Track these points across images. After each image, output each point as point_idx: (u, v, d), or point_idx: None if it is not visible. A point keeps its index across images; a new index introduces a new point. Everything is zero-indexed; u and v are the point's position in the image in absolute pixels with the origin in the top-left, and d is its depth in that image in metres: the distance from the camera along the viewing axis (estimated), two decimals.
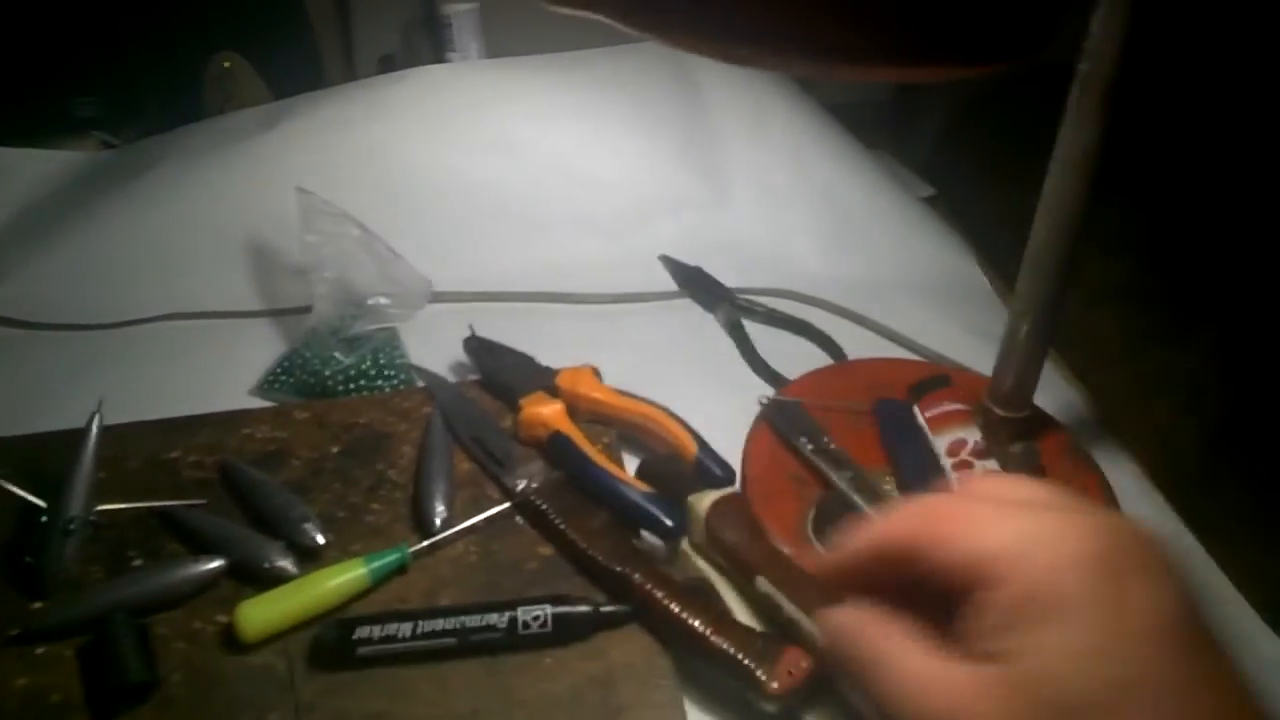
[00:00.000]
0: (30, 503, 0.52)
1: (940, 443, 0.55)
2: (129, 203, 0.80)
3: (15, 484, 0.53)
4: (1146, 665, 0.23)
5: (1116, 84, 0.48)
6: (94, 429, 0.53)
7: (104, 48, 0.93)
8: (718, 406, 0.62)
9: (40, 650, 0.46)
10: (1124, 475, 0.62)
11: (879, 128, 1.04)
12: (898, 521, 0.28)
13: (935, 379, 0.60)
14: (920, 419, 0.57)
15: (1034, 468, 0.55)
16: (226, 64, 0.95)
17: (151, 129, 0.92)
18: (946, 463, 0.54)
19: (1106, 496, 0.56)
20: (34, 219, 0.82)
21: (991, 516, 0.26)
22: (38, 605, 0.49)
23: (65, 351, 0.71)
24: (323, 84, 0.99)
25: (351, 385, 0.65)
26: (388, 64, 1.03)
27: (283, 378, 0.66)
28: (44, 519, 0.51)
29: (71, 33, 0.91)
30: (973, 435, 0.55)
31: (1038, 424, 0.59)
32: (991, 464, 0.53)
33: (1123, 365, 0.81)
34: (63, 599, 0.49)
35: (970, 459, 0.54)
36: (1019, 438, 0.57)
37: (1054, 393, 0.68)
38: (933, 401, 0.58)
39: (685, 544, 0.52)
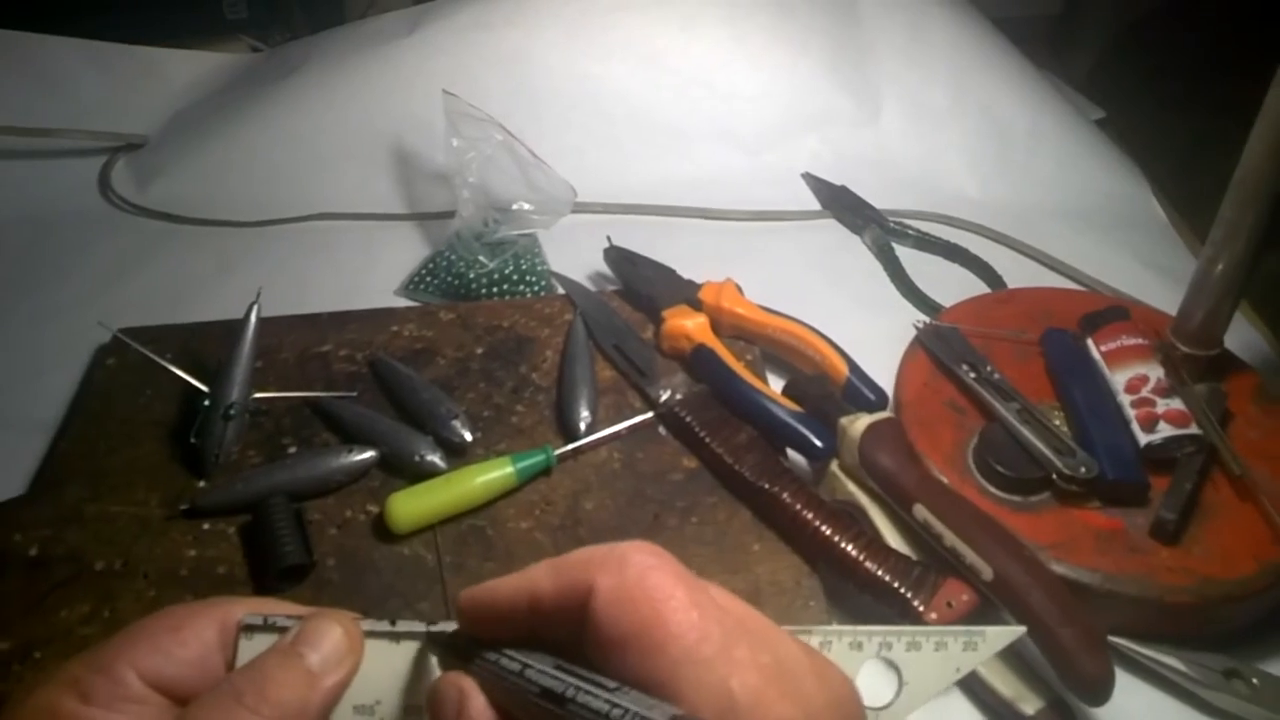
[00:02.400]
0: (193, 387, 0.54)
1: (1118, 379, 0.51)
2: (277, 105, 0.81)
3: (178, 368, 0.55)
4: None
5: None
6: (252, 319, 0.54)
7: None
8: (866, 329, 0.59)
9: (206, 526, 0.48)
10: None
11: (1044, 43, 0.97)
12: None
13: (1111, 311, 0.55)
14: (1095, 352, 0.53)
15: (1222, 410, 0.51)
16: None
17: (298, 32, 0.93)
18: (1125, 399, 0.50)
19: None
20: (188, 119, 0.84)
21: None
22: (202, 484, 0.51)
23: (218, 246, 0.73)
24: None
25: (494, 289, 0.65)
26: None
27: (428, 279, 0.66)
28: (206, 403, 0.52)
29: None
30: (1154, 372, 0.51)
31: (1225, 364, 0.54)
32: (1175, 402, 0.49)
33: None
34: (224, 480, 0.50)
35: (1152, 396, 0.50)
36: (1205, 377, 0.52)
37: (1239, 334, 0.62)
38: (1108, 335, 0.54)
39: (835, 466, 0.50)
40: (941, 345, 0.55)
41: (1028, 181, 0.77)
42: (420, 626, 0.25)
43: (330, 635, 0.25)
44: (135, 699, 0.24)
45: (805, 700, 0.22)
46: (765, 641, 0.23)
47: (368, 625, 0.25)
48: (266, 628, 0.25)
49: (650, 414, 0.53)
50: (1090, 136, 0.81)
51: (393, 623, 0.25)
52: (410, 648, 0.25)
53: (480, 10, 0.83)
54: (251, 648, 0.25)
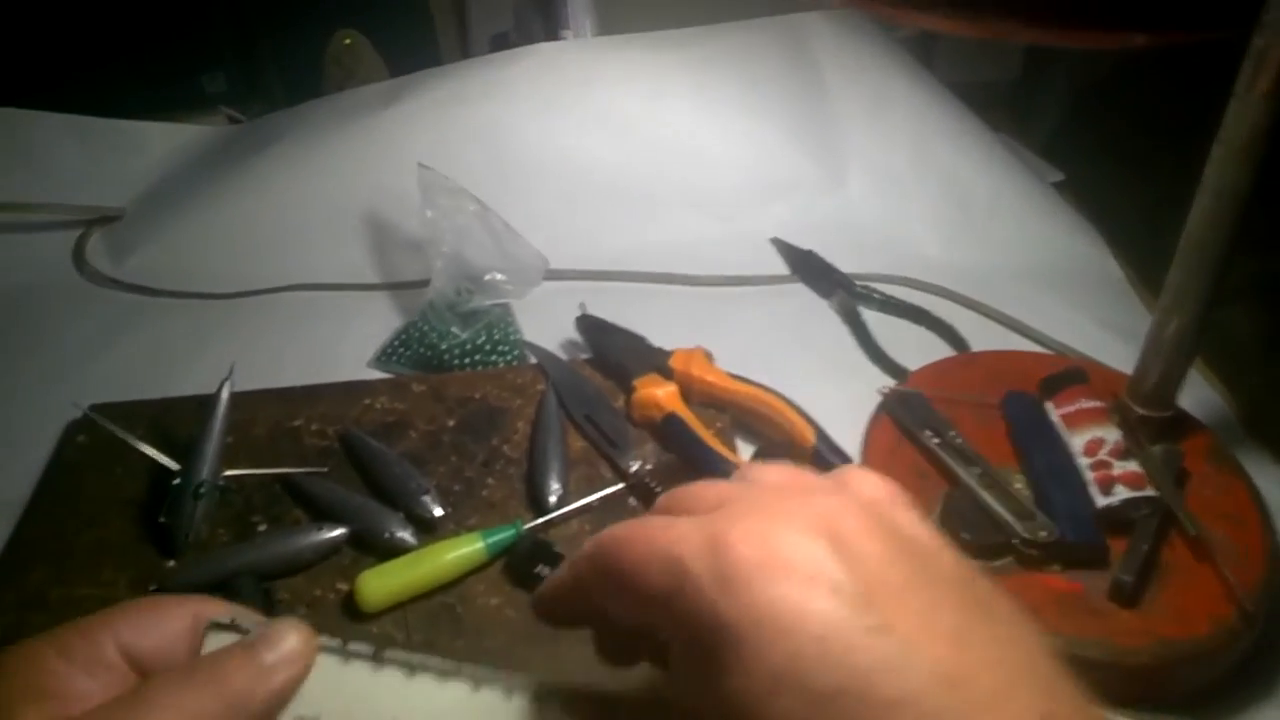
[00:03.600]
0: (162, 465, 0.54)
1: (1076, 441, 0.52)
2: (254, 176, 0.82)
3: (148, 446, 0.55)
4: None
5: None
6: (224, 396, 0.54)
7: (231, 25, 0.96)
8: (833, 395, 0.60)
9: None
10: (1271, 482, 0.57)
11: (1002, 108, 1.00)
12: (587, 549, 0.27)
13: (1069, 373, 0.56)
14: (1054, 415, 0.54)
15: (1177, 470, 0.52)
16: (347, 41, 0.97)
17: (276, 104, 0.95)
18: (1082, 462, 0.51)
19: (1255, 502, 0.52)
20: (165, 191, 0.85)
21: (663, 528, 0.25)
22: (171, 564, 0.51)
23: (193, 319, 0.73)
24: (438, 61, 1.00)
25: (466, 360, 0.65)
26: (500, 41, 1.03)
27: (400, 350, 0.67)
28: (176, 481, 0.52)
29: (199, 9, 0.94)
30: (1111, 434, 0.52)
31: (1180, 425, 0.55)
32: (1132, 464, 0.50)
33: (1263, 367, 0.76)
34: (193, 559, 0.50)
35: (1109, 458, 0.51)
36: (1160, 438, 0.53)
37: (1192, 393, 0.63)
38: (1067, 398, 0.55)
39: None
40: (906, 411, 0.56)
41: (988, 244, 0.79)
42: (368, 648, 0.28)
43: (287, 639, 0.27)
44: (107, 665, 0.27)
45: None
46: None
47: (323, 640, 0.28)
48: (232, 628, 0.28)
49: (620, 485, 0.54)
50: (1048, 199, 0.84)
51: (344, 643, 0.28)
52: (359, 668, 0.28)
53: (456, 84, 0.86)
54: (215, 643, 0.28)
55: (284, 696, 0.27)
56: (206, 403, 0.56)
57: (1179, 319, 0.51)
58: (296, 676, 0.27)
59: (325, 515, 0.52)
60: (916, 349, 0.68)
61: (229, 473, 0.54)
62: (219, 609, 0.29)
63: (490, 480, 0.55)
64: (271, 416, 0.59)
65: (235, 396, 0.56)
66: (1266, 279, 0.77)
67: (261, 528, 0.52)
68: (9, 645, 0.27)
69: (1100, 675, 0.44)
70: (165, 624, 0.28)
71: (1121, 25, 0.33)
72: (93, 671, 0.27)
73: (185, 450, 0.54)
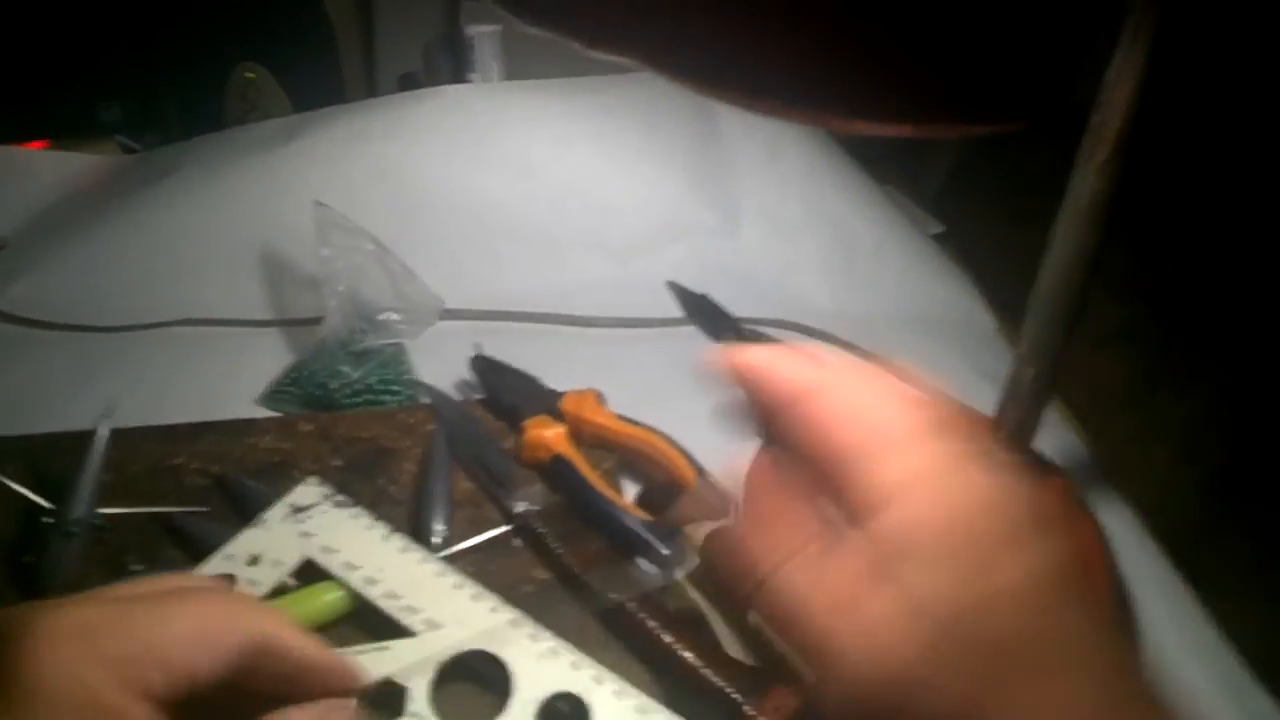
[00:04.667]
0: (33, 503, 0.53)
1: None
2: (146, 208, 0.81)
3: (20, 483, 0.54)
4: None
5: (1129, 136, 0.48)
6: (104, 431, 0.53)
7: (130, 53, 0.95)
8: (720, 437, 0.62)
9: None
10: (1121, 523, 0.62)
11: (889, 161, 1.05)
12: (798, 374, 0.28)
13: None
14: None
15: None
16: (250, 75, 0.96)
17: (173, 135, 0.94)
18: None
19: (1102, 544, 0.56)
20: (52, 220, 0.83)
21: (891, 444, 0.26)
22: None
23: (75, 353, 0.71)
24: (344, 98, 1.01)
25: (357, 399, 0.65)
26: (408, 81, 1.04)
27: (289, 389, 0.67)
28: (47, 520, 0.51)
29: (98, 37, 0.93)
30: None
31: (1038, 468, 0.59)
32: None
33: (1124, 411, 0.81)
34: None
35: None
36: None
37: (1054, 436, 0.68)
38: None
39: (680, 574, 0.52)
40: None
41: (872, 291, 0.83)
42: None
43: None
44: (153, 694, 0.26)
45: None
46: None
47: None
48: None
49: (506, 528, 0.55)
50: (929, 251, 0.88)
51: None
52: None
53: (360, 121, 0.86)
54: None
55: None
56: (84, 439, 0.55)
57: (1033, 370, 0.55)
58: None
59: (203, 556, 0.51)
60: None
61: (104, 511, 0.53)
62: (266, 624, 0.31)
63: None
64: (152, 454, 0.58)
65: (116, 433, 0.56)
66: (1131, 327, 0.82)
67: (136, 568, 0.51)
68: (36, 650, 0.26)
69: None
70: (216, 658, 0.28)
71: (927, 120, 0.36)
72: (140, 698, 0.26)
73: (59, 488, 0.53)
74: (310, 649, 0.33)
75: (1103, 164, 0.49)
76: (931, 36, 0.33)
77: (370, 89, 1.05)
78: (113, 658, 0.26)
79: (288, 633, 0.32)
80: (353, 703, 0.32)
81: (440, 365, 0.70)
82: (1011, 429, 0.57)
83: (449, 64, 1.01)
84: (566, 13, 0.32)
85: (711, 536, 0.50)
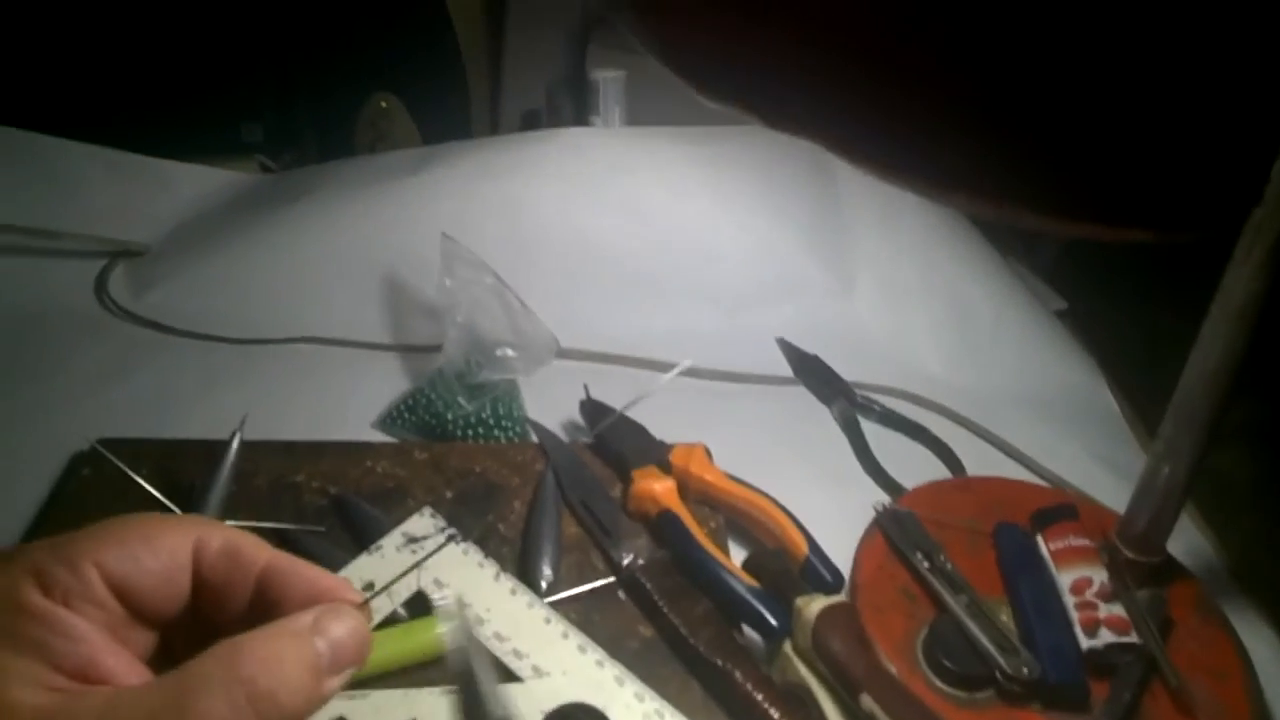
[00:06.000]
0: (165, 506, 0.55)
1: (1065, 579, 0.53)
2: (280, 227, 0.84)
3: (153, 485, 0.56)
4: None
5: None
6: (235, 445, 0.55)
7: (273, 78, 0.99)
8: (827, 504, 0.61)
9: None
10: (1257, 637, 0.58)
11: (1009, 231, 1.03)
12: None
13: (1061, 509, 0.58)
14: (1044, 550, 0.55)
15: (1162, 618, 0.52)
16: (383, 104, 1.00)
17: (308, 158, 0.97)
18: (1069, 600, 0.52)
19: (1239, 657, 0.53)
20: (191, 232, 0.87)
21: None
22: None
23: (204, 361, 0.74)
24: (469, 133, 1.03)
25: (470, 431, 0.66)
26: (531, 119, 1.06)
27: (405, 414, 0.68)
28: None
29: (245, 61, 0.98)
30: (1099, 574, 0.53)
31: (1168, 571, 0.56)
32: (1117, 608, 0.51)
33: (1253, 512, 0.77)
34: None
35: (1095, 599, 0.51)
36: (1147, 583, 0.54)
37: (1182, 538, 0.64)
38: (1058, 533, 0.56)
39: (787, 646, 0.51)
40: (898, 530, 0.57)
41: (989, 366, 0.81)
42: None
43: (352, 628, 0.26)
44: (95, 600, 0.24)
45: None
46: None
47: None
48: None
49: (611, 579, 0.54)
50: (1050, 327, 0.86)
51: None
52: None
53: (485, 158, 0.88)
54: None
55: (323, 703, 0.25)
56: (214, 448, 0.56)
57: (1169, 469, 0.52)
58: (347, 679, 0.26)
59: None
60: (913, 466, 0.69)
61: (229, 522, 0.54)
62: (223, 533, 0.27)
63: None
64: (274, 469, 0.60)
65: (242, 445, 0.57)
66: (1260, 424, 0.78)
67: None
68: None
69: None
70: (161, 552, 0.26)
71: (1121, 223, 0.35)
72: (78, 608, 0.24)
73: (188, 494, 0.55)
74: (282, 557, 0.28)
75: (1261, 264, 0.48)
76: (1127, 144, 0.32)
77: (494, 125, 1.08)
78: (39, 565, 0.24)
79: (249, 541, 0.28)
80: (353, 610, 0.27)
81: (550, 404, 0.70)
82: (1143, 529, 0.54)
83: (571, 105, 1.03)
84: (749, 93, 0.32)
85: (826, 613, 0.49)
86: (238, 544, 0.27)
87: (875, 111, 0.31)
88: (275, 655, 0.24)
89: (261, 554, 0.28)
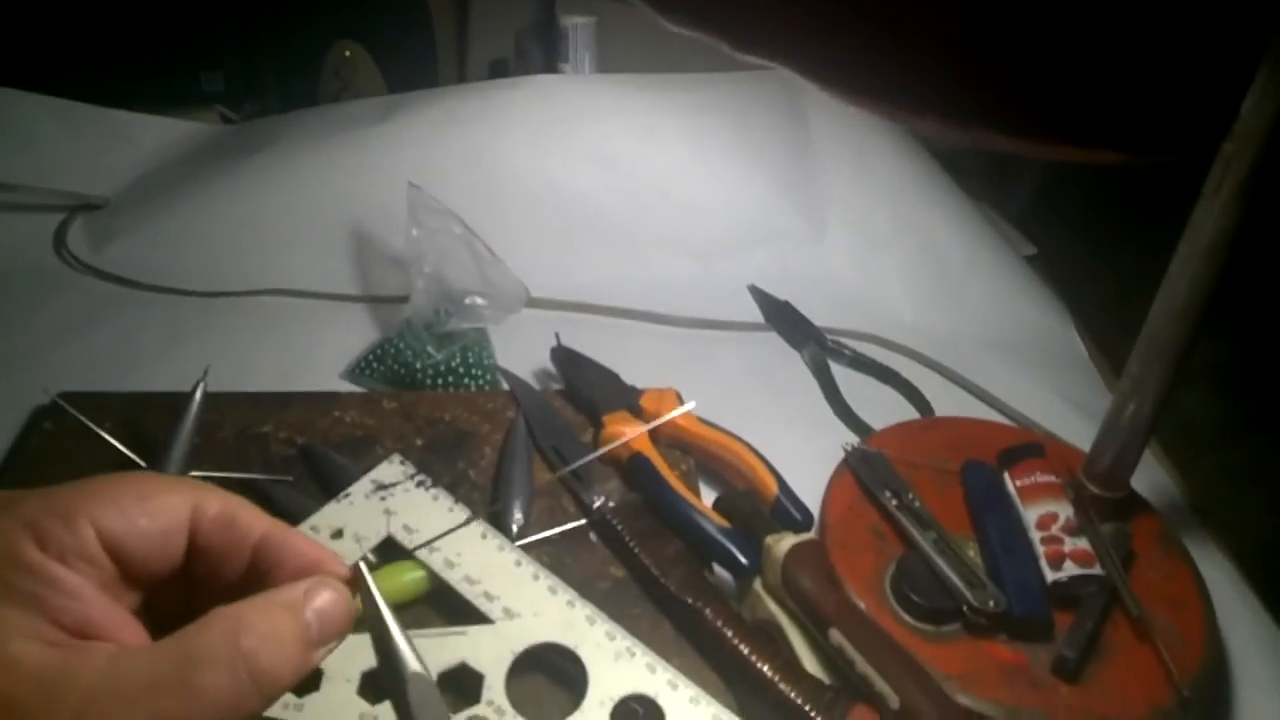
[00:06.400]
0: (129, 459, 0.54)
1: (1030, 514, 0.54)
2: (242, 178, 0.82)
3: (117, 438, 0.55)
4: None
5: (1261, 170, 0.46)
6: (197, 397, 0.54)
7: (234, 26, 0.97)
8: (797, 446, 0.61)
9: None
10: (1216, 569, 0.59)
11: (980, 176, 1.03)
12: None
13: (1028, 447, 0.58)
14: (1011, 487, 0.56)
15: (1125, 551, 0.53)
16: (347, 53, 0.98)
17: (271, 108, 0.95)
18: (1035, 535, 0.52)
19: (1198, 588, 0.54)
20: (152, 184, 0.85)
21: None
22: None
23: (168, 314, 0.73)
24: (436, 82, 1.01)
25: (440, 380, 0.66)
26: (499, 68, 1.04)
27: (374, 365, 0.67)
28: None
29: (204, 8, 0.95)
30: (1064, 510, 0.54)
31: (1131, 506, 0.57)
32: (1082, 541, 0.52)
33: (1216, 451, 0.78)
34: None
35: (1060, 534, 0.52)
36: (1111, 518, 0.55)
37: (1146, 474, 0.65)
38: (1024, 470, 0.56)
39: (757, 584, 0.51)
40: (867, 470, 0.57)
41: (960, 310, 0.81)
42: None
43: (336, 607, 0.26)
44: (89, 558, 0.24)
45: None
46: None
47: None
48: None
49: (583, 521, 0.54)
50: (1020, 272, 0.86)
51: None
52: None
53: (452, 106, 0.87)
54: None
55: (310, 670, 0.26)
56: (178, 401, 0.56)
57: (1135, 406, 0.53)
58: (328, 652, 0.26)
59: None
60: (882, 408, 0.69)
61: (194, 474, 0.54)
62: (220, 499, 0.27)
63: None
64: (240, 420, 0.59)
65: (205, 397, 0.56)
66: (1224, 364, 0.79)
67: None
68: None
69: None
70: (157, 513, 0.26)
71: (1093, 143, 0.35)
72: (73, 565, 0.24)
73: (152, 447, 0.54)
74: (278, 527, 0.28)
75: (1230, 200, 0.48)
76: (1098, 64, 0.32)
77: (461, 73, 1.06)
78: (33, 519, 0.24)
79: (247, 509, 0.28)
80: (338, 582, 0.27)
81: (521, 353, 0.70)
82: (1108, 465, 0.55)
83: (540, 52, 1.01)
84: (715, 16, 0.31)
85: (795, 550, 0.49)
86: (235, 512, 0.28)
87: (843, 34, 0.31)
88: (275, 631, 0.25)
89: (258, 524, 0.28)
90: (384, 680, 0.28)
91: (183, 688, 0.23)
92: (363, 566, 0.28)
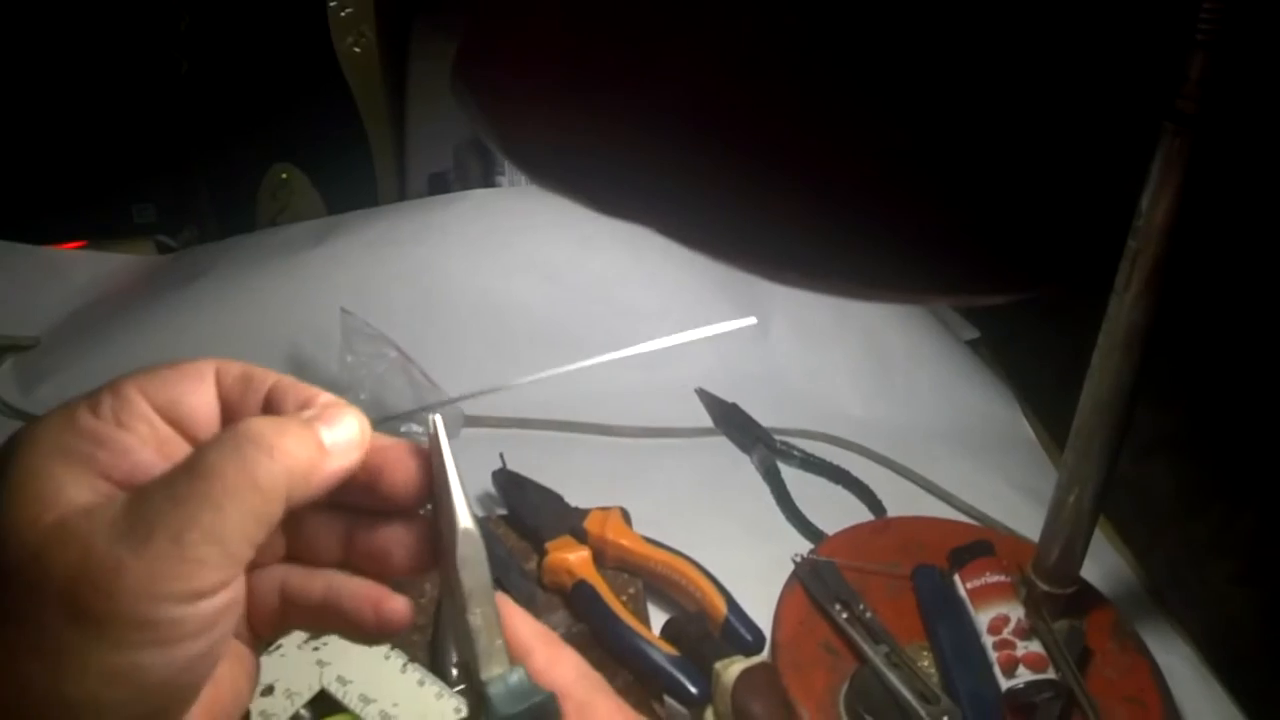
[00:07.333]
0: None
1: (982, 618, 0.53)
2: (176, 309, 0.81)
3: None
4: None
5: (1166, 265, 0.47)
6: None
7: (166, 154, 0.97)
8: (749, 558, 0.60)
9: None
10: (1176, 657, 0.59)
11: None
12: None
13: (977, 545, 0.57)
14: (962, 590, 0.55)
15: (1080, 650, 0.52)
16: (284, 175, 0.98)
17: (209, 233, 0.95)
18: (988, 641, 0.51)
19: (1155, 682, 0.53)
20: (85, 320, 0.83)
21: None
22: None
23: None
24: (376, 199, 1.02)
25: None
26: (438, 181, 1.05)
27: None
28: None
29: (134, 139, 0.95)
30: (1015, 611, 0.53)
31: (1084, 600, 0.56)
32: (1034, 644, 0.51)
33: (1173, 525, 0.78)
34: None
35: (1012, 638, 0.51)
36: (1064, 614, 0.54)
37: (1100, 559, 0.65)
38: (974, 570, 0.56)
39: (709, 713, 0.49)
40: (817, 582, 0.56)
41: (906, 402, 0.81)
42: None
43: (347, 423, 0.28)
44: (140, 416, 0.26)
45: None
46: None
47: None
48: None
49: None
50: (964, 357, 0.87)
51: None
52: None
53: (388, 225, 0.87)
54: None
55: (335, 482, 0.27)
56: None
57: (1075, 499, 0.52)
58: (352, 465, 0.27)
59: None
60: (834, 509, 0.68)
61: None
62: (237, 364, 0.29)
63: None
64: None
65: None
66: (1177, 436, 0.80)
67: None
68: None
69: None
70: (200, 390, 0.28)
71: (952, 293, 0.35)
72: (131, 425, 0.26)
73: None
74: (287, 377, 0.30)
75: (1138, 295, 0.48)
76: (969, 212, 0.32)
77: (401, 188, 1.06)
78: (85, 399, 0.26)
79: (259, 368, 0.30)
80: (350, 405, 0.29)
81: (464, 475, 0.68)
82: (1055, 560, 0.54)
83: (479, 165, 1.03)
84: (579, 181, 0.32)
85: (744, 676, 0.48)
86: (250, 369, 0.30)
87: (705, 198, 0.31)
88: (276, 420, 0.27)
89: (270, 376, 0.30)
90: (436, 531, 0.29)
91: (189, 470, 0.25)
92: (436, 418, 0.30)
